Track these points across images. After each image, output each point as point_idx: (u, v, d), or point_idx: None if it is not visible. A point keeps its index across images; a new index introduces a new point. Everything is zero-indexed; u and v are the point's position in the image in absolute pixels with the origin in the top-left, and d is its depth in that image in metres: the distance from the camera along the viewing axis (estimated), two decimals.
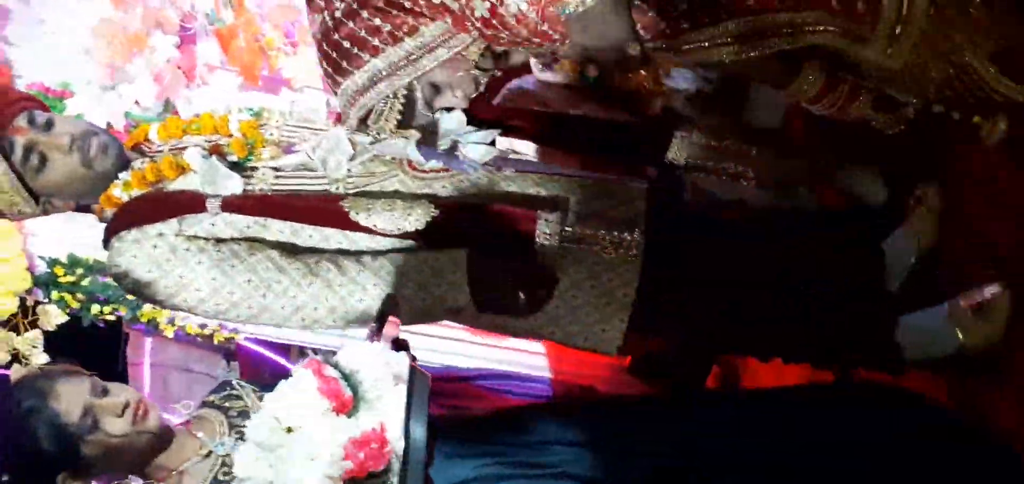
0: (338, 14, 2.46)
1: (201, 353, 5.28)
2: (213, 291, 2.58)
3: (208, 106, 3.94)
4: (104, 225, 2.72)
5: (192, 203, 2.60)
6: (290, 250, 2.60)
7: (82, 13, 4.15)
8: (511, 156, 2.86)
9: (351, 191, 2.64)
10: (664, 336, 3.15)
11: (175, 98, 4.15)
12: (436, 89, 2.59)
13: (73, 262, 4.86)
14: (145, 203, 2.64)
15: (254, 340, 5.11)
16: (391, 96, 2.53)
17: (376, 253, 2.61)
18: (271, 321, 2.58)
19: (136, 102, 4.19)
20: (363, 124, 2.58)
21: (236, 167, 2.63)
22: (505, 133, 2.89)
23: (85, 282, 4.87)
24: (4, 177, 2.54)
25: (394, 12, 2.44)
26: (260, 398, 2.69)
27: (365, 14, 2.45)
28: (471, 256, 2.59)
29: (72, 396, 2.53)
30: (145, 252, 2.58)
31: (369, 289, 2.55)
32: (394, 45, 2.47)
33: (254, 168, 2.67)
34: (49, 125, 2.56)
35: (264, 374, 5.04)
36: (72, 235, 4.79)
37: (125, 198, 2.65)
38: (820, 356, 2.81)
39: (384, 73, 2.50)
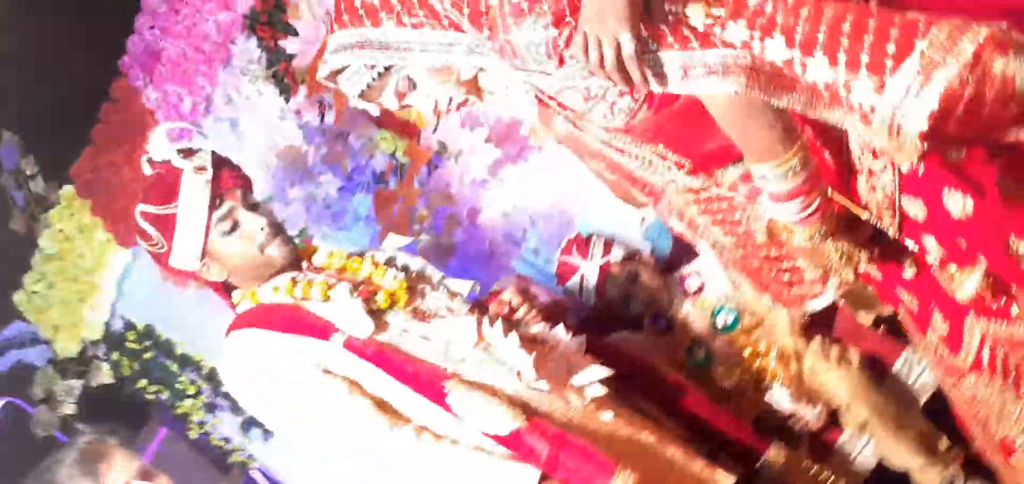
0: None
1: (205, 464, 5.51)
2: (297, 410, 2.72)
3: (336, 247, 4.69)
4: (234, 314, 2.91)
5: (320, 330, 2.73)
6: (382, 405, 2.68)
7: (274, 132, 4.77)
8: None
9: (459, 375, 2.71)
10: None
11: (314, 230, 4.77)
12: (412, 84, 2.56)
13: (146, 333, 5.33)
14: (280, 312, 2.80)
15: (264, 474, 5.42)
16: (369, 67, 2.49)
17: (456, 442, 2.67)
18: (330, 456, 2.76)
19: (283, 219, 4.80)
20: (333, 77, 2.55)
21: (373, 314, 2.76)
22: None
23: (146, 355, 5.33)
24: (197, 222, 2.79)
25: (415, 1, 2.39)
26: None
27: None
28: (542, 478, 2.63)
29: (119, 471, 2.74)
30: (259, 354, 2.74)
31: (437, 471, 2.65)
32: (396, 26, 2.39)
33: (388, 322, 2.78)
34: (254, 206, 2.88)
35: None
36: (157, 308, 5.29)
37: (268, 301, 2.85)
38: None
39: (372, 44, 2.44)
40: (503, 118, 4.48)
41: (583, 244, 4.06)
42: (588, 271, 3.99)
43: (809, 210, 2.32)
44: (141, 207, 2.83)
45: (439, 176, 4.64)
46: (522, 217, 4.66)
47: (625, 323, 3.96)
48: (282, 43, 4.63)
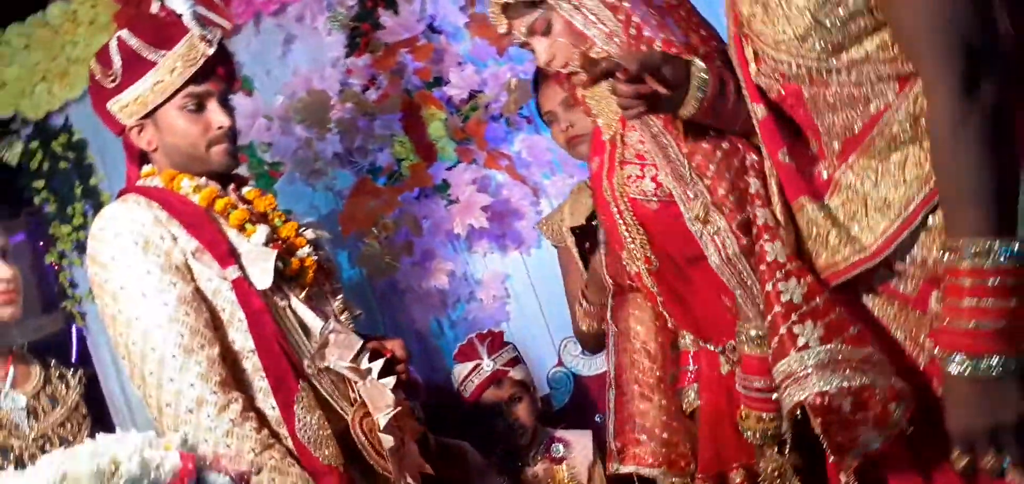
0: None
1: (37, 291, 5.25)
2: (148, 312, 2.58)
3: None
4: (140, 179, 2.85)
5: (222, 253, 2.66)
6: (225, 359, 2.63)
7: (316, 71, 4.82)
8: None
9: (317, 384, 2.69)
10: None
11: (287, 167, 4.82)
12: (548, 29, 2.62)
13: (77, 146, 5.21)
14: (190, 209, 2.72)
15: (81, 337, 5.26)
16: None
17: (274, 436, 2.62)
18: (149, 378, 2.58)
19: (272, 143, 4.83)
20: None
21: (277, 273, 2.69)
22: None
23: (61, 164, 5.20)
24: (170, 83, 2.73)
25: None
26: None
27: None
28: None
29: None
30: (150, 230, 2.62)
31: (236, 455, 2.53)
32: None
33: (284, 289, 2.74)
34: (227, 103, 2.82)
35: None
36: (103, 135, 5.12)
37: (184, 193, 2.77)
38: None
39: None
40: (511, 202, 4.71)
41: (497, 343, 4.26)
42: (484, 366, 4.17)
43: (771, 394, 2.31)
44: (123, 34, 2.76)
45: (423, 205, 4.78)
46: (464, 289, 4.79)
47: (479, 437, 3.97)
48: (381, 11, 4.80)
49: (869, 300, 2.10)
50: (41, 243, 5.33)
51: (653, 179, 2.58)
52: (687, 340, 2.87)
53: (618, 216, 2.70)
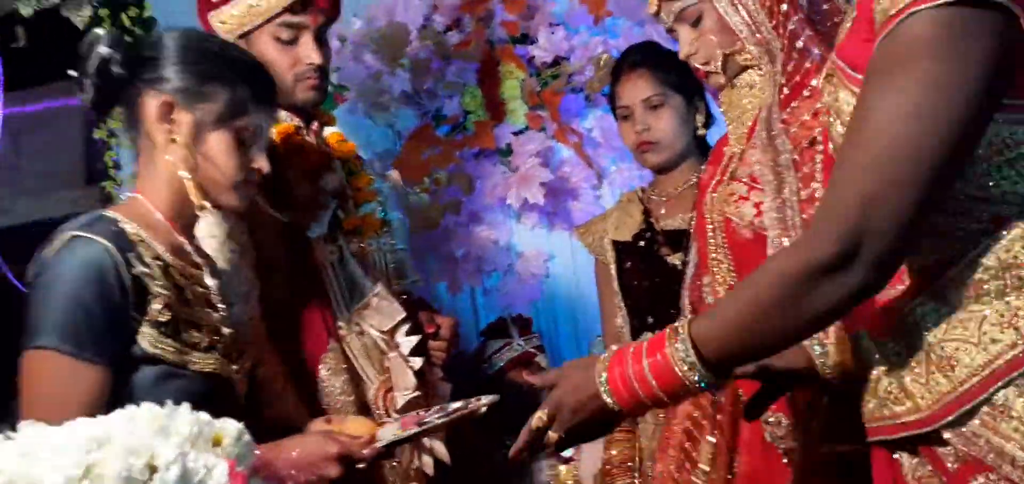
0: None
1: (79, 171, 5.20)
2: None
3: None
4: None
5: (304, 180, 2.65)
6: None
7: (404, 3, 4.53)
8: None
9: (346, 347, 2.65)
10: None
11: (349, 96, 4.53)
12: (697, 19, 2.45)
13: (146, 24, 4.84)
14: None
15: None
16: None
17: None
18: None
19: (341, 68, 4.48)
20: None
21: (336, 223, 2.70)
22: None
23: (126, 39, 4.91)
24: (266, 8, 2.63)
25: None
26: None
27: None
28: None
29: None
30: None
31: None
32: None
33: (340, 242, 2.72)
34: (322, 39, 2.71)
35: None
36: (173, 17, 4.87)
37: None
38: None
39: None
40: (571, 181, 4.45)
41: (527, 328, 4.22)
42: (516, 345, 4.15)
43: None
44: None
45: (480, 166, 4.53)
46: (503, 260, 4.56)
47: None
48: None
49: (905, 459, 1.76)
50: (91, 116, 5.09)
51: (756, 205, 2.40)
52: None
53: (711, 236, 2.52)
